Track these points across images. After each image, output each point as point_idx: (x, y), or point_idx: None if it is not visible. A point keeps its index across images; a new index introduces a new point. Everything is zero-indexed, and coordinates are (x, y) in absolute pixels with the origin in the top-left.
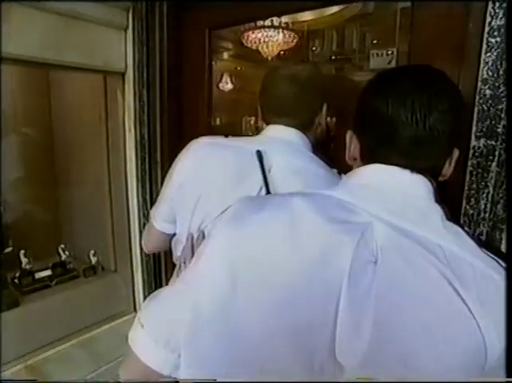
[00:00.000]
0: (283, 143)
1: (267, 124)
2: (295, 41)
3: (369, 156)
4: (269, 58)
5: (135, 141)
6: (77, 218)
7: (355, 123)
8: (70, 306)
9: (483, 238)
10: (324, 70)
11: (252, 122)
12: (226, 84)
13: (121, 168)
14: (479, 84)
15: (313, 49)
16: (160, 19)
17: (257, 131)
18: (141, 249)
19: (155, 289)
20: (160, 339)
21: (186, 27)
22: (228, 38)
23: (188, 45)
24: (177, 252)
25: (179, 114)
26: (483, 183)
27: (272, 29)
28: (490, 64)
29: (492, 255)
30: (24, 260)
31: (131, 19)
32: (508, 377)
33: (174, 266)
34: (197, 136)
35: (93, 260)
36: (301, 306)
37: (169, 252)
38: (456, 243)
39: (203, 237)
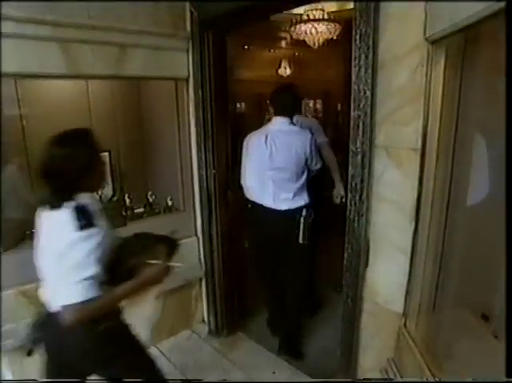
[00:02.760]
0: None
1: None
2: (338, 31)
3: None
4: (315, 46)
5: (196, 122)
6: (159, 175)
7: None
8: (155, 229)
9: None
10: None
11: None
12: (285, 70)
13: (187, 141)
14: None
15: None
16: (208, 45)
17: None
18: (200, 195)
19: (209, 221)
20: None
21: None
22: (285, 29)
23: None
24: None
25: (224, 103)
26: None
27: (315, 22)
28: None
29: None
30: (128, 201)
31: (191, 45)
32: (508, 377)
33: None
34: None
35: (169, 203)
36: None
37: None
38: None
39: None
